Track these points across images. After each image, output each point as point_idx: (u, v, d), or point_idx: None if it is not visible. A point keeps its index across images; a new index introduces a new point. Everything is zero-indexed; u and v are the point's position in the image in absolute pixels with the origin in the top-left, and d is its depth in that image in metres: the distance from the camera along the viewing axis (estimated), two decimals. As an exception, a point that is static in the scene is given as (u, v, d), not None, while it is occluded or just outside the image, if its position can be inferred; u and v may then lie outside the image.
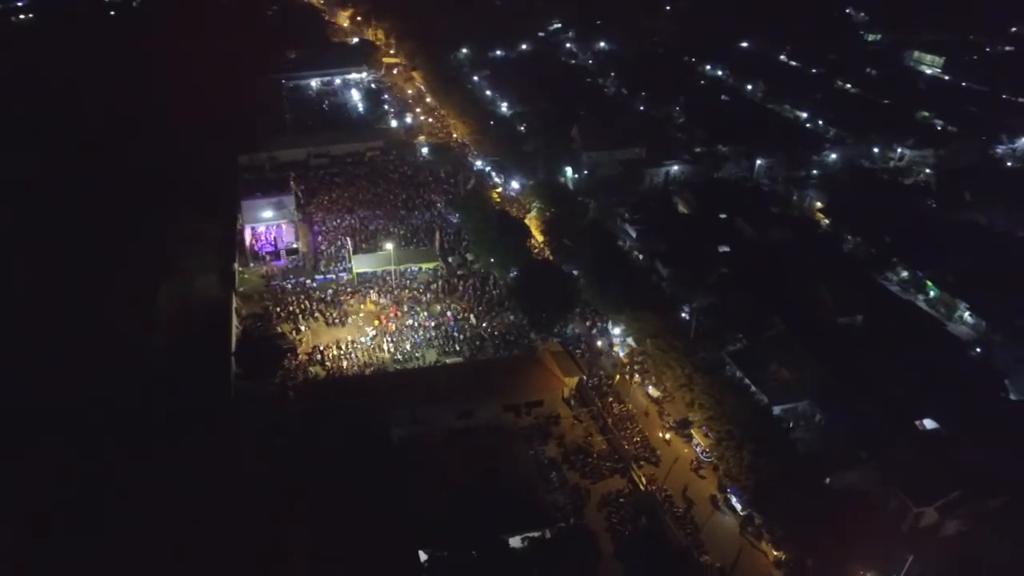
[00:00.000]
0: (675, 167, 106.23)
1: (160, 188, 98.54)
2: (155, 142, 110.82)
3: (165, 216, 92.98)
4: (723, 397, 57.86)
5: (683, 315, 71.24)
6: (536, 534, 48.84)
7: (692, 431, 60.65)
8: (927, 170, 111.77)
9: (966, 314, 78.34)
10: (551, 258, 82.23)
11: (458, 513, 48.51)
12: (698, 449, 59.56)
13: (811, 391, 63.10)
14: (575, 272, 76.49)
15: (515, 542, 48.28)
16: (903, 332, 71.86)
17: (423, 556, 46.96)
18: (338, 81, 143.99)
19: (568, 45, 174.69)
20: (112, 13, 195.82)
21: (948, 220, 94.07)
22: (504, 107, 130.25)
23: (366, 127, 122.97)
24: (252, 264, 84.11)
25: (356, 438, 54.19)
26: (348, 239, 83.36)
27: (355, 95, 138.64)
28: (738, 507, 54.16)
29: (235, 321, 73.95)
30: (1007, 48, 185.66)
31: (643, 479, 56.46)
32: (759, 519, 52.44)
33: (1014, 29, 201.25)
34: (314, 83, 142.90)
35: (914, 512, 53.46)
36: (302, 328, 73.14)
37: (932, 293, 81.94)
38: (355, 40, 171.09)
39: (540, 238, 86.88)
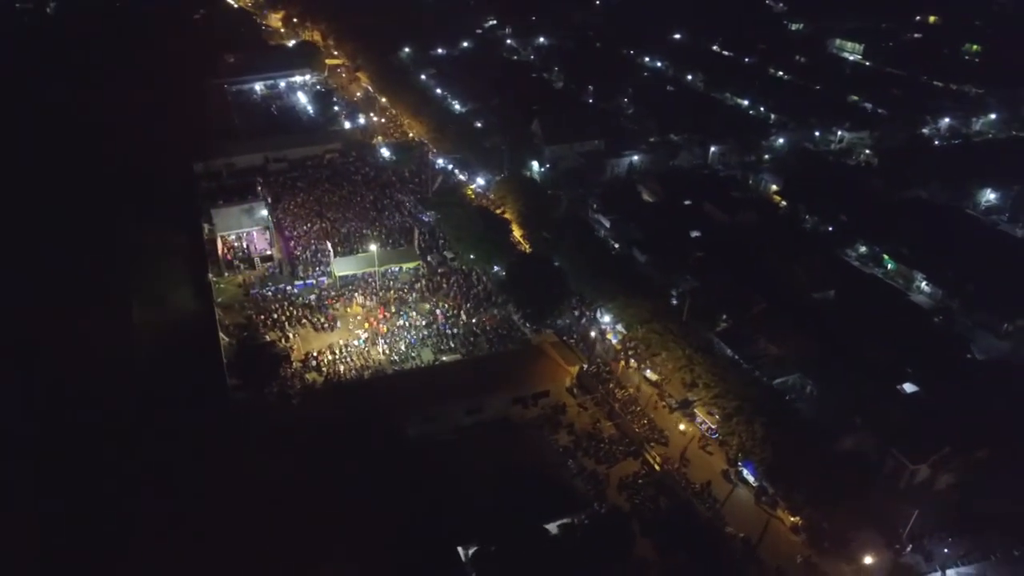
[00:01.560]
0: (635, 157, 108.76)
1: (113, 201, 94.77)
2: (101, 153, 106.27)
3: (125, 230, 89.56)
4: (726, 375, 60.11)
5: (670, 300, 73.27)
6: (568, 520, 49.71)
7: (696, 410, 62.64)
8: (867, 151, 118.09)
9: (923, 284, 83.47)
10: (529, 251, 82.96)
11: (494, 506, 48.87)
12: (703, 427, 61.62)
13: (801, 364, 66.23)
14: (557, 264, 77.59)
15: (551, 529, 49.02)
16: (872, 304, 76.27)
17: (462, 553, 47.26)
18: (282, 84, 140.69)
19: (508, 42, 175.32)
20: (25, 20, 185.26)
21: (894, 197, 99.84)
22: (456, 105, 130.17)
23: (319, 129, 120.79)
24: (227, 273, 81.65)
25: (376, 440, 53.88)
26: (327, 243, 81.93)
27: (302, 98, 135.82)
28: (751, 479, 56.44)
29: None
30: (916, 35, 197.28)
31: (657, 460, 58.12)
32: (772, 489, 54.88)
33: (918, 17, 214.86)
34: (258, 87, 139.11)
35: (910, 470, 57.05)
36: (291, 335, 71.67)
37: (890, 266, 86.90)
38: (293, 42, 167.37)
39: (518, 232, 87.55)
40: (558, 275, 71.57)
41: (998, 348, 74.29)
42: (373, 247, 78.45)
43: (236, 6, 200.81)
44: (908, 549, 51.64)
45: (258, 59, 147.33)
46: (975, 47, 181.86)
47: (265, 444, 55.62)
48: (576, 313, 75.61)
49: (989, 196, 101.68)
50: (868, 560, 49.52)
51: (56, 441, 55.96)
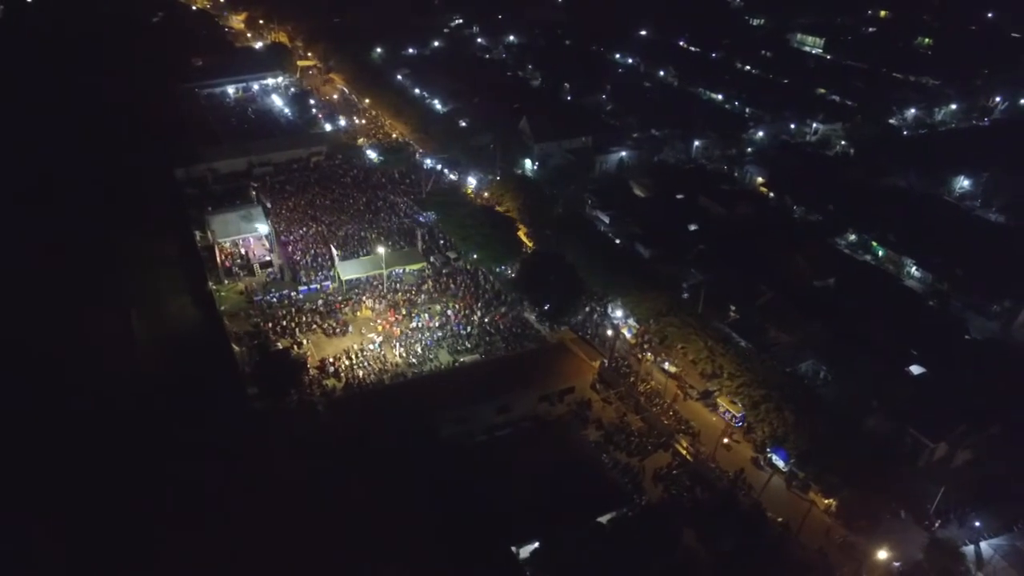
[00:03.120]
0: (623, 153, 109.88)
1: (97, 209, 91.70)
2: (74, 161, 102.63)
3: (113, 240, 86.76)
4: (749, 364, 61.38)
5: (682, 293, 74.42)
6: (617, 513, 50.23)
7: (718, 399, 63.76)
8: (842, 142, 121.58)
9: (913, 269, 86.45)
10: (536, 250, 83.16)
11: (545, 504, 49.04)
12: (727, 416, 62.74)
13: (814, 351, 68.01)
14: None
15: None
16: (870, 290, 78.73)
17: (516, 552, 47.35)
18: (256, 87, 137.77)
19: (479, 40, 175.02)
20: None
21: (874, 185, 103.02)
22: (438, 104, 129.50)
23: (300, 132, 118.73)
24: (226, 281, 79.80)
25: (415, 444, 53.56)
26: (332, 247, 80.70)
27: (277, 100, 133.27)
28: (780, 464, 57.73)
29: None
30: (871, 29, 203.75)
31: (687, 450, 59.04)
32: (802, 473, 56.28)
33: (870, 12, 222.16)
34: (230, 90, 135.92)
35: (930, 448, 59.16)
36: (304, 342, 70.53)
37: (880, 253, 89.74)
38: (260, 44, 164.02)
39: (521, 230, 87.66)
40: (573, 272, 71.85)
41: (988, 328, 77.52)
42: (381, 249, 77.56)
43: (194, 8, 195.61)
44: (937, 524, 53.60)
45: (228, 62, 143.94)
46: (926, 40, 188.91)
47: (301, 451, 54.89)
48: (587, 309, 76.12)
49: (963, 183, 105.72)
50: (903, 537, 51.20)
51: (72, 461, 53.85)
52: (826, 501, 54.49)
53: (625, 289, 71.46)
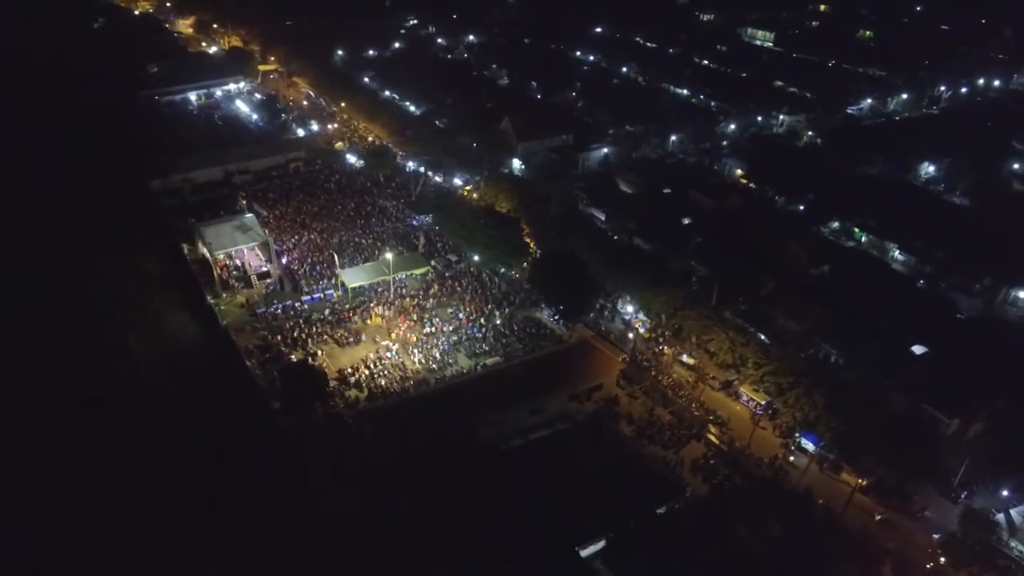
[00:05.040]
0: (605, 150, 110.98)
1: (70, 225, 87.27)
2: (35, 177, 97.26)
3: (93, 257, 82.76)
4: (773, 352, 62.96)
5: (691, 286, 75.72)
6: (671, 505, 50.92)
7: (741, 388, 65.14)
8: (809, 132, 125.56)
9: (896, 253, 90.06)
10: (539, 249, 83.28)
11: (601, 501, 49.31)
12: (750, 404, 64.14)
13: (824, 336, 70.19)
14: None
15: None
16: (863, 275, 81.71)
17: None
18: (219, 93, 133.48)
19: (440, 40, 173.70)
20: None
21: (848, 174, 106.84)
22: (411, 106, 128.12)
23: (272, 139, 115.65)
24: (224, 294, 77.30)
25: (461, 450, 53.12)
26: (335, 254, 78.96)
27: (243, 106, 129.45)
28: (810, 448, 59.41)
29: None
30: (815, 23, 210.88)
31: (721, 439, 60.19)
32: (833, 455, 58.07)
33: (810, 7, 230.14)
34: (193, 97, 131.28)
35: (946, 424, 61.86)
36: (318, 353, 68.94)
37: (863, 239, 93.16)
38: (214, 49, 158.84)
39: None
40: (586, 270, 72.22)
41: (972, 306, 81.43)
42: (389, 255, 76.34)
43: (136, 12, 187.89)
44: (963, 496, 56.13)
45: (186, 68, 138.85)
46: (868, 33, 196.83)
47: (342, 466, 53.74)
48: (597, 306, 76.60)
49: (928, 169, 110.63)
50: (933, 510, 53.57)
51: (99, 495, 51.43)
52: (859, 481, 56.33)
53: (639, 285, 72.20)
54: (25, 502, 49.69)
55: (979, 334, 73.05)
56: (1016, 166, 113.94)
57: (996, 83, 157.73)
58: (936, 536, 52.19)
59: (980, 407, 62.20)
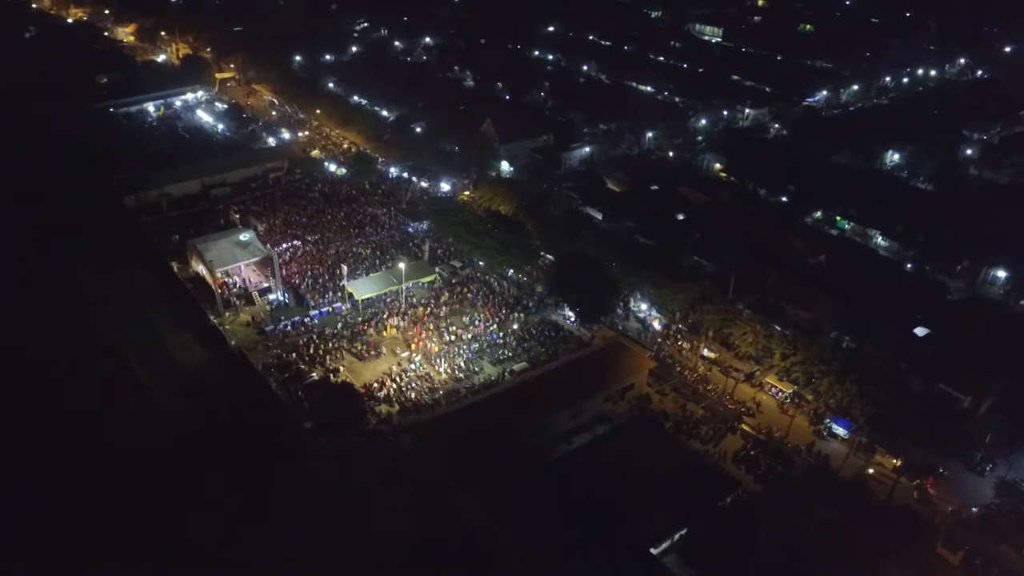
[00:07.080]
0: (587, 148, 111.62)
1: (45, 246, 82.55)
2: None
3: (74, 277, 78.58)
4: (799, 342, 64.62)
5: (704, 281, 76.85)
6: (732, 497, 51.66)
7: (766, 379, 66.61)
8: (775, 125, 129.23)
9: (879, 239, 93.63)
10: (544, 249, 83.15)
11: (664, 499, 49.63)
12: (777, 395, 65.65)
13: (835, 323, 72.38)
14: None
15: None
16: (856, 262, 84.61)
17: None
18: (178, 103, 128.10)
19: (396, 44, 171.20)
20: None
21: (822, 164, 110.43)
22: (382, 110, 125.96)
23: (242, 148, 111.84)
24: (227, 313, 74.41)
25: (511, 459, 52.69)
26: (343, 266, 76.85)
27: (205, 116, 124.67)
28: (842, 433, 61.24)
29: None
30: (756, 18, 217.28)
31: (759, 431, 61.42)
32: (866, 438, 60.00)
33: (748, 2, 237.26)
34: (151, 108, 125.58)
35: (962, 400, 64.72)
36: (340, 369, 67.10)
37: (846, 227, 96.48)
38: (162, 58, 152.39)
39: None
40: (605, 271, 72.46)
41: (955, 287, 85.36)
42: (401, 265, 74.89)
43: (70, 21, 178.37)
44: (989, 468, 58.91)
45: (139, 78, 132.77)
46: (808, 27, 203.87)
47: (396, 483, 52.56)
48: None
49: (893, 157, 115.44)
50: (962, 484, 56.13)
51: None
52: (893, 461, 58.43)
53: (655, 282, 72.93)
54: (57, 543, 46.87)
55: (973, 314, 76.58)
56: (969, 152, 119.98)
57: (932, 73, 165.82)
58: (975, 509, 54.53)
59: (990, 383, 65.22)
